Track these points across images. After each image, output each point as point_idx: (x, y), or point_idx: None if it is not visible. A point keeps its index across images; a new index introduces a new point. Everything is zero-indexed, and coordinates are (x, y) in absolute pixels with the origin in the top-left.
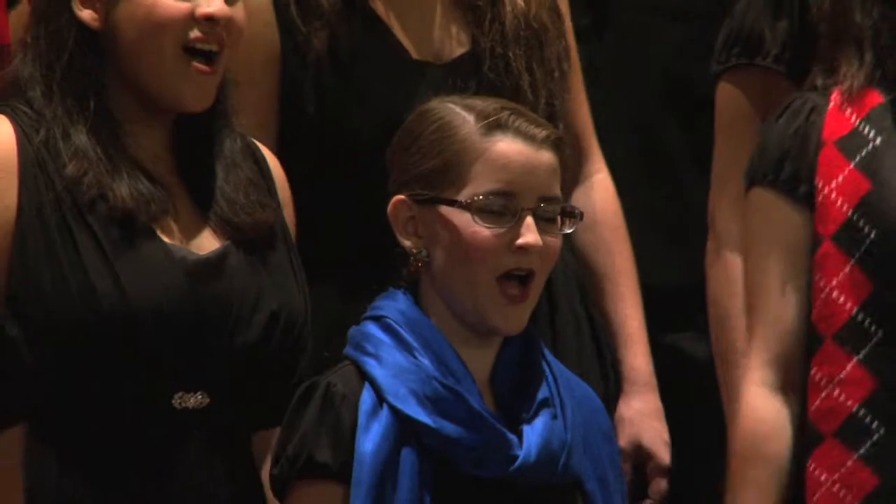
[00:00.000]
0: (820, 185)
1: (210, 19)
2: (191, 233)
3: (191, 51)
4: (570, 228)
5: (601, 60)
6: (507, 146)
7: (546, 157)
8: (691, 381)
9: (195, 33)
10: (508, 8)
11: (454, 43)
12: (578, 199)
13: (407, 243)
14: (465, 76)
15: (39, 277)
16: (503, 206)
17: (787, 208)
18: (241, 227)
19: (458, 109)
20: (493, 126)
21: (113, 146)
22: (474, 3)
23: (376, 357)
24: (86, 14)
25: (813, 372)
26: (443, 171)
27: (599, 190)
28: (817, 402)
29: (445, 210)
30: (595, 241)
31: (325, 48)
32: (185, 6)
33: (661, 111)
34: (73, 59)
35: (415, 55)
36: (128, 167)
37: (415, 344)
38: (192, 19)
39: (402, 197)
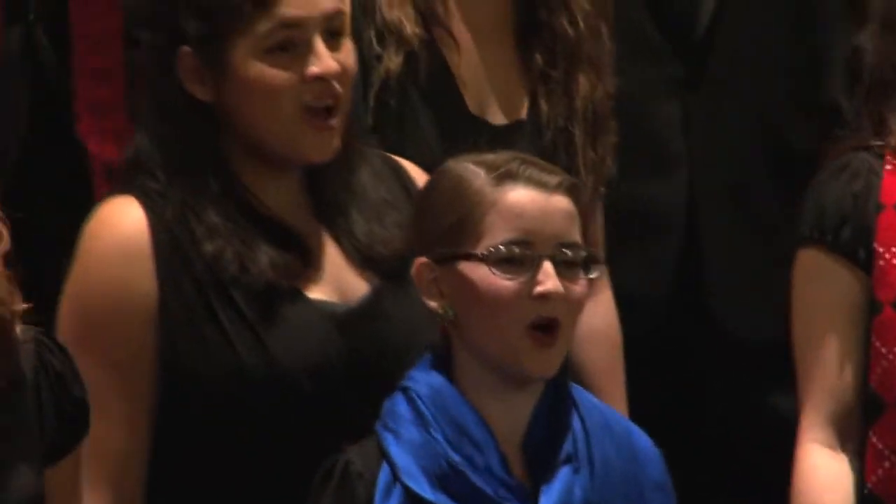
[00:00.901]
0: (880, 249)
1: (320, 79)
2: (338, 279)
3: (307, 109)
4: (594, 273)
5: (696, 114)
6: (519, 194)
7: (561, 202)
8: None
9: (308, 95)
10: (581, 90)
11: (515, 107)
12: (585, 315)
13: (432, 304)
14: (520, 141)
15: (188, 360)
16: (520, 255)
17: (844, 271)
18: (382, 261)
19: (469, 166)
20: (504, 176)
21: (244, 215)
22: (547, 73)
23: (395, 433)
24: (197, 89)
25: (874, 439)
26: (458, 227)
27: (607, 308)
28: (879, 471)
29: (465, 266)
30: (594, 357)
31: (396, 74)
32: (294, 71)
33: (756, 164)
34: (190, 136)
35: (472, 109)
36: (264, 233)
37: (431, 418)
38: (302, 81)
39: (423, 259)
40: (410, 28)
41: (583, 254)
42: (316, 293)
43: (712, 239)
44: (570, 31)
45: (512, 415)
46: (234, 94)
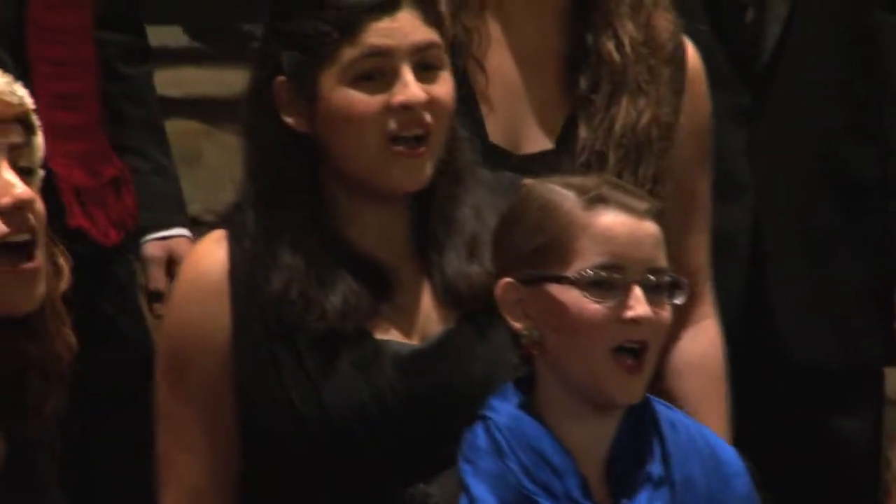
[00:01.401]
0: None
1: (405, 107)
2: (416, 318)
3: (393, 138)
4: (679, 299)
5: (761, 141)
6: (611, 218)
7: (650, 227)
8: (845, 464)
9: (394, 124)
10: (622, 114)
11: (546, 137)
12: (685, 342)
13: (517, 325)
14: (543, 172)
15: (252, 398)
16: (611, 279)
17: None
18: (465, 299)
19: (557, 188)
20: (595, 200)
21: (328, 249)
22: (590, 98)
23: (473, 464)
24: (292, 120)
25: None
26: (548, 249)
27: (707, 338)
28: None
29: (553, 288)
30: (692, 391)
31: None
32: (380, 98)
33: (820, 191)
34: (281, 167)
35: (494, 139)
36: (343, 269)
37: (506, 447)
38: (388, 109)
39: (509, 280)
40: None
41: (668, 279)
42: (386, 332)
43: (777, 264)
44: (617, 56)
45: (594, 438)
46: (323, 124)
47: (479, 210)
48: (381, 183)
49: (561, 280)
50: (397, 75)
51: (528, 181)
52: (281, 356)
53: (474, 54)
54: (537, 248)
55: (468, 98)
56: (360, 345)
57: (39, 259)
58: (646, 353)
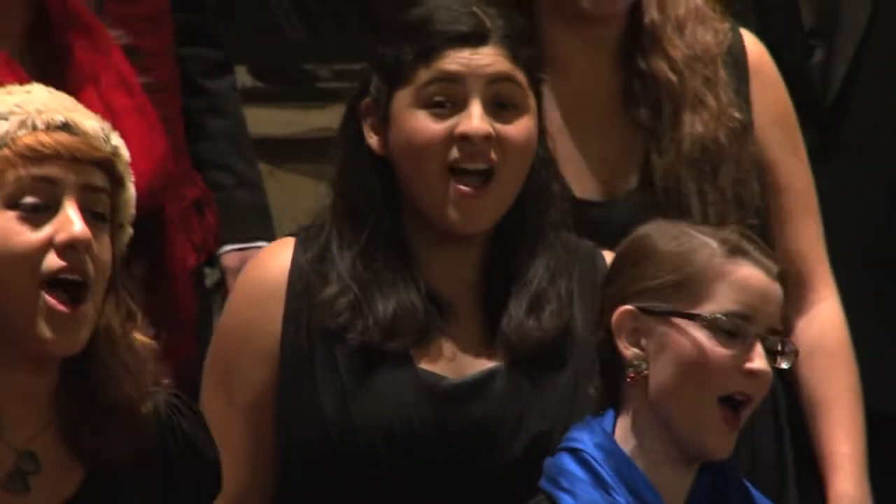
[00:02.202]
0: None
1: (466, 138)
2: (462, 356)
3: (454, 169)
4: (785, 364)
5: (828, 180)
6: (750, 272)
7: (778, 289)
8: None
9: (455, 153)
10: (687, 130)
11: (626, 178)
12: (801, 328)
13: (628, 353)
14: (634, 210)
15: (286, 403)
16: (739, 329)
17: None
18: (516, 347)
19: (695, 232)
20: (737, 250)
21: (388, 270)
22: (653, 126)
23: (572, 493)
24: (373, 140)
25: None
26: (681, 286)
27: (822, 319)
28: None
29: (681, 323)
30: (811, 371)
31: None
32: (445, 126)
33: (891, 233)
34: (360, 183)
35: (579, 193)
36: (400, 291)
37: (611, 481)
38: (450, 138)
39: (629, 308)
40: None
41: (781, 343)
42: (429, 364)
43: (847, 304)
44: (672, 75)
45: (677, 479)
46: (393, 145)
47: (552, 270)
48: (439, 220)
49: (693, 318)
50: (466, 105)
51: (659, 222)
52: (319, 363)
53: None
54: (671, 284)
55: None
56: (399, 367)
57: (87, 306)
58: (746, 407)
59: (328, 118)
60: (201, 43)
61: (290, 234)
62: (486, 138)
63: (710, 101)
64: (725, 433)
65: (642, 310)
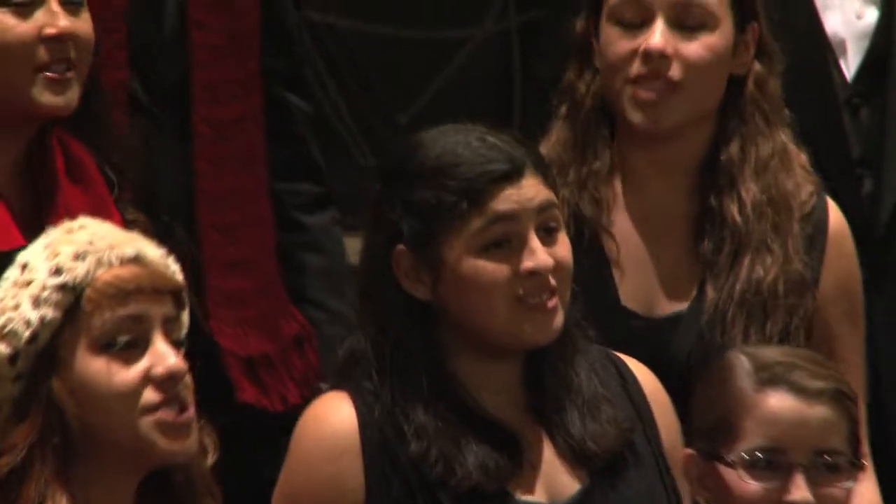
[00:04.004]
0: None
1: (535, 273)
2: (549, 478)
3: (522, 301)
4: (850, 482)
5: (879, 310)
6: (777, 401)
7: (820, 410)
8: None
9: (522, 289)
10: (745, 271)
11: (678, 299)
12: None
13: (698, 497)
14: (674, 334)
15: None
16: (772, 462)
17: None
18: (595, 458)
19: (738, 362)
20: (767, 380)
21: (456, 413)
22: (714, 260)
23: None
24: (413, 287)
25: None
26: (719, 426)
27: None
28: None
29: (720, 466)
30: None
31: None
32: (508, 265)
33: None
34: (404, 335)
35: (626, 302)
36: (475, 432)
37: None
38: (516, 276)
39: (690, 452)
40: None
41: (841, 461)
42: (525, 493)
43: None
44: (739, 217)
45: None
46: (450, 291)
47: (594, 369)
48: (513, 341)
49: (722, 460)
50: (523, 240)
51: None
52: None
53: (604, 223)
54: (713, 424)
55: (600, 262)
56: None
57: (192, 411)
58: None
59: None
60: (299, 177)
61: (334, 387)
62: (551, 269)
63: (776, 247)
64: None
65: (698, 453)
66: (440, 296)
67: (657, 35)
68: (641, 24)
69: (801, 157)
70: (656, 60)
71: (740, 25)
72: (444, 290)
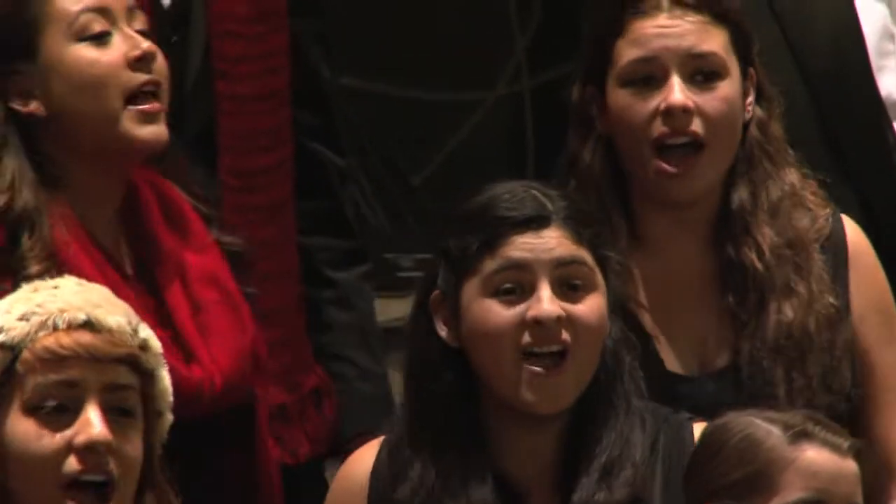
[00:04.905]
0: None
1: (539, 322)
2: None
3: (527, 354)
4: None
5: None
6: (817, 454)
7: (851, 465)
8: None
9: (528, 338)
10: (773, 317)
11: (716, 355)
12: None
13: None
14: (722, 391)
15: None
16: None
17: None
18: None
19: (759, 422)
20: (801, 435)
21: (461, 467)
22: (740, 311)
23: None
24: (445, 333)
25: None
26: (750, 482)
27: None
28: None
29: None
30: None
31: None
32: (516, 312)
33: None
34: (432, 380)
35: (669, 367)
36: (471, 489)
37: None
38: (523, 324)
39: None
40: None
41: None
42: None
43: None
44: (759, 265)
45: None
46: (465, 336)
47: (625, 437)
48: (515, 402)
49: None
50: (533, 289)
51: (730, 414)
52: None
53: (632, 293)
54: (740, 481)
55: (639, 334)
56: None
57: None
58: None
59: (409, 308)
60: (330, 232)
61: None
62: (558, 320)
63: (801, 288)
64: None
65: None
66: (462, 342)
67: (676, 90)
68: (655, 82)
69: (811, 186)
70: (679, 116)
71: (744, 71)
72: (462, 335)
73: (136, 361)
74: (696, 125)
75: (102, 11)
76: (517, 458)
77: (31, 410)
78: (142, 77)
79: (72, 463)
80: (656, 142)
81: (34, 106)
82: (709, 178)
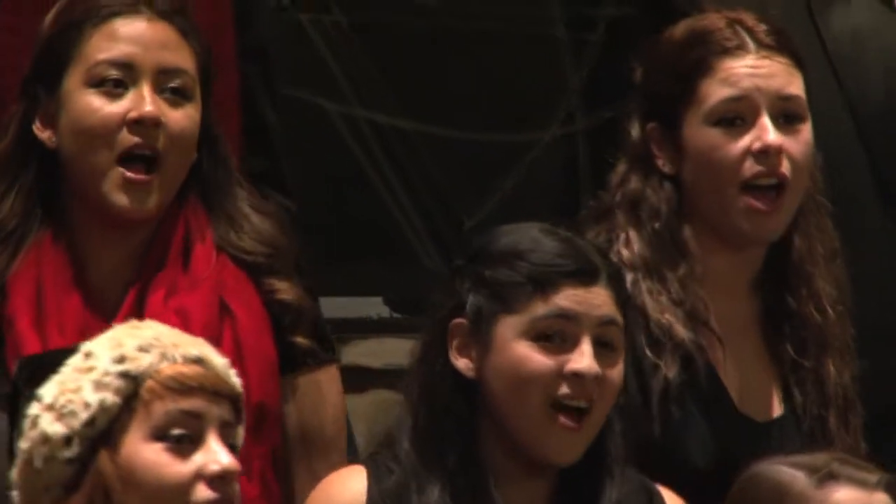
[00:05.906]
0: None
1: (579, 377)
2: None
3: (557, 406)
4: None
5: None
6: (844, 495)
7: (882, 499)
8: None
9: (565, 389)
10: (832, 373)
11: (773, 401)
12: None
13: None
14: (782, 437)
15: None
16: None
17: None
18: None
19: (785, 468)
20: (827, 477)
21: (472, 498)
22: (799, 363)
23: None
24: (462, 363)
25: None
26: None
27: None
28: None
29: None
30: None
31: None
32: (554, 362)
33: None
34: (442, 409)
35: (739, 408)
36: None
37: None
38: (560, 375)
39: None
40: (681, 332)
41: None
42: None
43: None
44: (819, 318)
45: None
46: (493, 375)
47: (621, 494)
48: (537, 451)
49: None
50: (577, 342)
51: (757, 465)
52: None
53: (712, 326)
54: None
55: (710, 371)
56: None
57: None
58: None
59: None
60: None
61: (357, 462)
62: (595, 378)
63: (848, 348)
64: None
65: None
66: (483, 377)
67: (771, 131)
68: (742, 122)
69: None
70: (773, 157)
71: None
72: (487, 371)
73: (237, 402)
74: (784, 166)
75: (126, 66)
76: (516, 499)
77: (158, 437)
78: (134, 139)
79: (203, 491)
80: (746, 181)
81: (48, 135)
82: (786, 220)
